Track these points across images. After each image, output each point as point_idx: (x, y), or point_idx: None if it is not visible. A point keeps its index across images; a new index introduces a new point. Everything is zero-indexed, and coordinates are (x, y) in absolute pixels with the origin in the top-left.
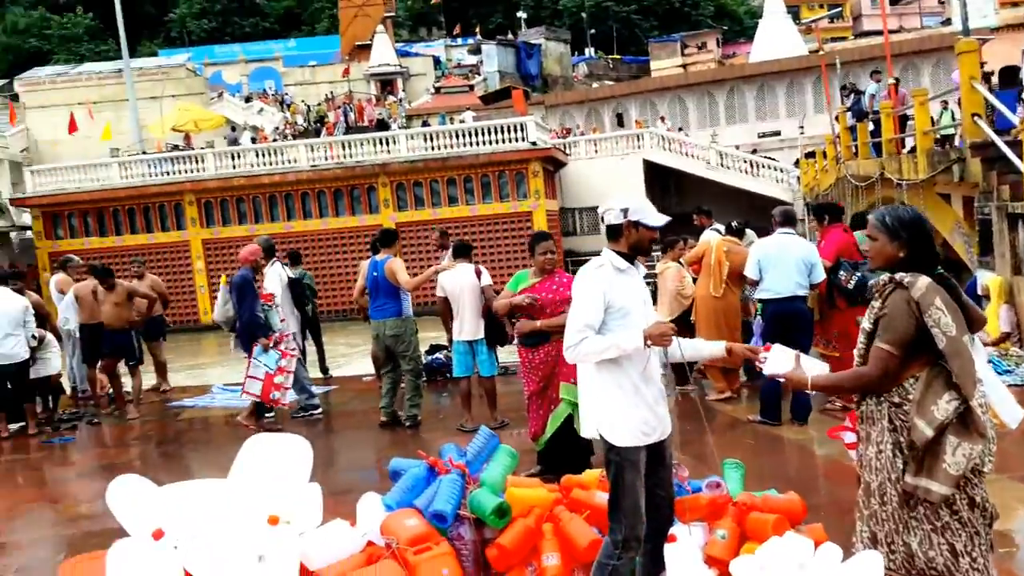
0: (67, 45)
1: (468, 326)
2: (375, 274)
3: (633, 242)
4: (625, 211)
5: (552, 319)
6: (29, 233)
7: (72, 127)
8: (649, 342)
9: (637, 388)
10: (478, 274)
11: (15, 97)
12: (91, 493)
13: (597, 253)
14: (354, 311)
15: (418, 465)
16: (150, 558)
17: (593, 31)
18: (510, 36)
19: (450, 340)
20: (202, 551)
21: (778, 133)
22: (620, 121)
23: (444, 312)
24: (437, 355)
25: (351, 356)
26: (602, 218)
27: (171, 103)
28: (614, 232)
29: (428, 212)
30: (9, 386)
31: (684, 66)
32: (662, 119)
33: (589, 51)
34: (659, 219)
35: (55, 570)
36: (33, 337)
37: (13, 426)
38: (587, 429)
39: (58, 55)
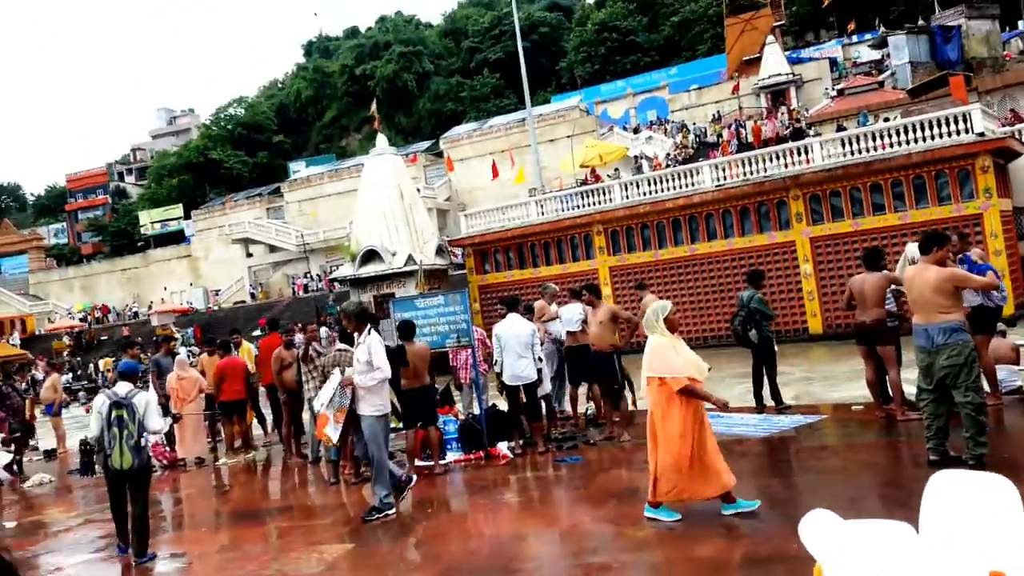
0: (476, 104)
1: None
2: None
3: None
4: None
5: None
6: (459, 271)
7: (495, 173)
8: None
9: None
10: None
11: (439, 154)
12: (631, 515)
13: None
14: (792, 332)
15: None
16: None
17: None
18: (920, 23)
19: None
20: None
21: None
22: None
23: None
24: None
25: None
26: None
27: (567, 143)
28: None
29: (848, 224)
30: (520, 404)
31: None
32: None
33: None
34: None
35: None
36: (540, 360)
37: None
38: None
39: (469, 113)
